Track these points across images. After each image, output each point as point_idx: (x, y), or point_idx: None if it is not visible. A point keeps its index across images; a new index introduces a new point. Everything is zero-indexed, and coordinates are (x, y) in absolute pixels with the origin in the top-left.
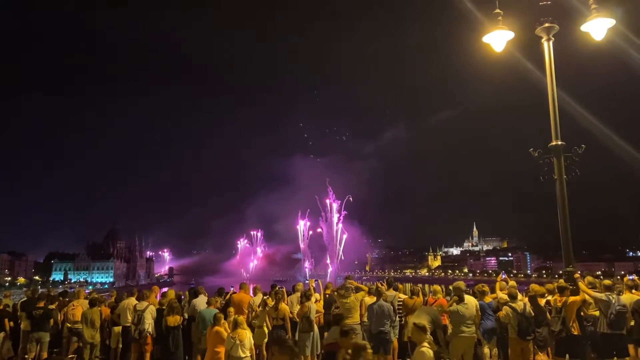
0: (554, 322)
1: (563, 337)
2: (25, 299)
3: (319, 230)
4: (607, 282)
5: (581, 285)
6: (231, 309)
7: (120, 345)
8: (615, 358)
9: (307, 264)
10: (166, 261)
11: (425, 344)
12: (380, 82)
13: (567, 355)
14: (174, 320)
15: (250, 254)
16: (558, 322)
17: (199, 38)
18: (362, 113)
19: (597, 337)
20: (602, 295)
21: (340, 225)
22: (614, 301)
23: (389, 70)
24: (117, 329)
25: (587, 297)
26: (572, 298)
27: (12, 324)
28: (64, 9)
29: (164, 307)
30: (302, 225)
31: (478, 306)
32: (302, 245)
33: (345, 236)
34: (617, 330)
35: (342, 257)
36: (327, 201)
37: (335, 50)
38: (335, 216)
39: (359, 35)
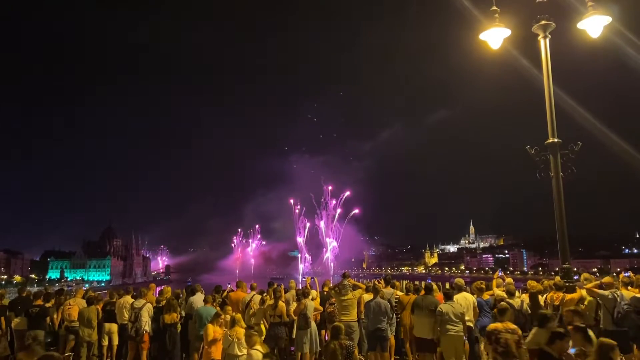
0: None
1: None
2: (13, 297)
3: (314, 230)
4: (608, 278)
5: (589, 286)
6: (228, 307)
7: (116, 343)
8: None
9: (304, 261)
10: (164, 257)
11: (257, 346)
12: (377, 80)
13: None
14: (170, 317)
15: (247, 251)
16: (555, 320)
17: (198, 37)
18: (360, 112)
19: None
20: (607, 293)
21: (335, 220)
22: (619, 299)
23: (386, 69)
24: (108, 326)
25: (583, 293)
26: (569, 296)
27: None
28: (64, 7)
29: (161, 305)
30: (296, 211)
31: (475, 303)
32: (298, 238)
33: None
34: (622, 327)
35: (338, 253)
36: (322, 199)
37: (334, 50)
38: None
39: (356, 34)
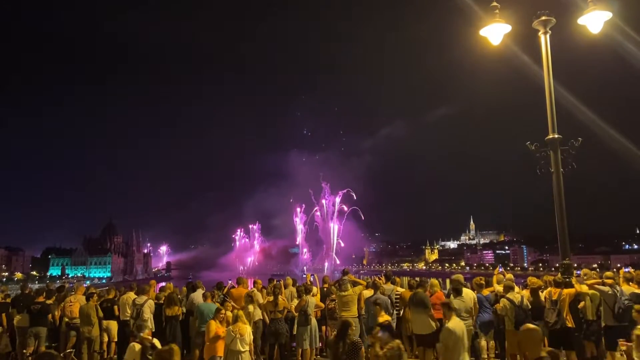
0: (549, 314)
1: (557, 329)
2: (15, 294)
3: (315, 224)
4: (609, 274)
5: (591, 281)
6: (229, 304)
7: (114, 340)
8: (620, 349)
9: (304, 256)
10: (164, 255)
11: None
12: (377, 77)
13: (562, 347)
14: (172, 311)
15: (248, 248)
16: (553, 314)
17: (197, 33)
18: (359, 109)
19: (593, 329)
20: (607, 289)
21: (335, 217)
22: (619, 294)
23: (387, 66)
24: (106, 323)
25: (583, 289)
26: (566, 291)
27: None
28: (63, 5)
29: (161, 302)
30: (298, 213)
31: (476, 299)
32: (298, 235)
33: (342, 224)
34: (623, 322)
35: (339, 249)
36: (322, 196)
37: (334, 48)
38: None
39: (356, 31)
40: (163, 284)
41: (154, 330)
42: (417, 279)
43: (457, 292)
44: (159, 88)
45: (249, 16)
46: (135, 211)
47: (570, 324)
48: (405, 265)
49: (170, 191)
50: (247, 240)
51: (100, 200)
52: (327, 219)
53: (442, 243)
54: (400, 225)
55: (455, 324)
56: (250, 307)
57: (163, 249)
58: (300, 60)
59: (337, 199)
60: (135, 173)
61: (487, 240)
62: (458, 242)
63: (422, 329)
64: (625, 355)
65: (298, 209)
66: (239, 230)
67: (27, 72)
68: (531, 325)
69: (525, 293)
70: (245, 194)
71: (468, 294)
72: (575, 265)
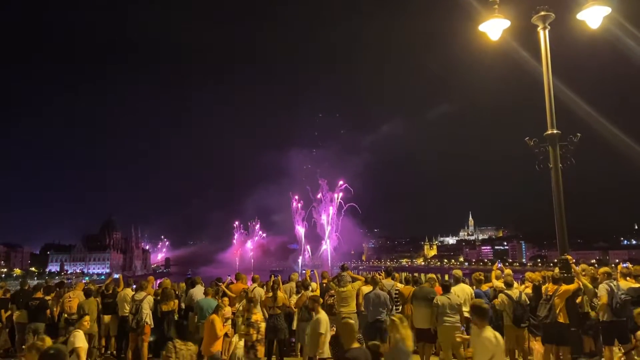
0: (541, 308)
1: (547, 323)
2: (15, 290)
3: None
4: (606, 269)
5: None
6: (226, 299)
7: (113, 334)
8: (617, 344)
9: (304, 253)
10: (163, 251)
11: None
12: (377, 74)
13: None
14: (167, 306)
15: (246, 244)
16: (545, 308)
17: (197, 30)
18: (359, 107)
19: (591, 324)
20: (588, 285)
21: (333, 210)
22: (615, 290)
23: (387, 63)
24: (107, 318)
25: (581, 284)
26: (564, 286)
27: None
28: (64, 5)
29: (159, 298)
30: (297, 199)
31: (473, 294)
32: (295, 221)
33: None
34: (621, 318)
35: (336, 245)
36: (320, 192)
37: (334, 45)
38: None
39: (356, 29)
40: (161, 280)
41: (152, 327)
42: (416, 274)
43: (446, 290)
44: (159, 87)
45: (249, 16)
46: (135, 208)
47: (562, 319)
48: (404, 261)
49: (169, 188)
50: (246, 235)
51: (100, 198)
52: (326, 216)
53: (441, 239)
54: (399, 221)
55: (323, 315)
56: (245, 303)
57: (162, 237)
58: (300, 57)
59: (339, 182)
60: (134, 171)
61: (485, 236)
62: (457, 238)
63: (424, 323)
64: (623, 351)
65: (296, 196)
66: (237, 222)
67: (27, 72)
68: (348, 320)
69: (523, 288)
70: (244, 191)
71: (464, 289)
72: (574, 260)
